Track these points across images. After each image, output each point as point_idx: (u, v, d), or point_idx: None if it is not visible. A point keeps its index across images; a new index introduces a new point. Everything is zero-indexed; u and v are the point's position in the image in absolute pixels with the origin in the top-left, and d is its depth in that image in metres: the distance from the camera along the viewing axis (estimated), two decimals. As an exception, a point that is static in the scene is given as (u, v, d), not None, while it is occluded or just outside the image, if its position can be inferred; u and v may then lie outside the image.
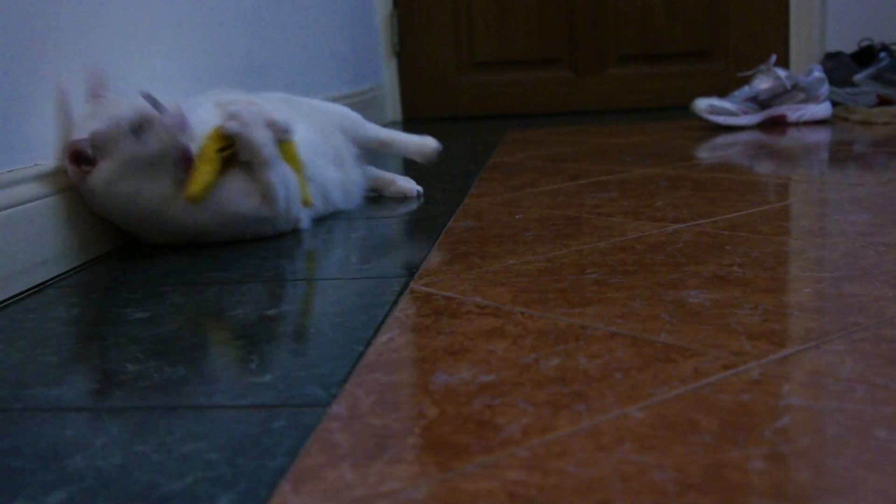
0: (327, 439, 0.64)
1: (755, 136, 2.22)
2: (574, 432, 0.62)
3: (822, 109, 2.37)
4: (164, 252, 1.26)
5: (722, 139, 2.19)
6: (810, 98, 2.36)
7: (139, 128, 1.16)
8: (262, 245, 1.28)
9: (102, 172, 1.16)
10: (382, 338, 0.85)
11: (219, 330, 0.91)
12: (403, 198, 1.58)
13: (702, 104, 2.37)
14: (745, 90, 2.37)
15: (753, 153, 1.94)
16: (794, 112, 2.36)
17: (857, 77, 2.49)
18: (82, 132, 1.15)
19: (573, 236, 1.22)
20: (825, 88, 2.37)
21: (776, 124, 2.37)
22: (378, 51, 3.06)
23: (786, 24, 2.93)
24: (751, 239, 1.14)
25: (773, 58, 2.39)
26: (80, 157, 1.15)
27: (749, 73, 2.43)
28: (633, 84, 3.04)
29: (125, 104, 1.17)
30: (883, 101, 2.45)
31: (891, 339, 0.76)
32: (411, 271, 1.08)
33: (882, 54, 2.51)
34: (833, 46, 2.83)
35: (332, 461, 0.60)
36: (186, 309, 0.99)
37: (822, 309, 0.86)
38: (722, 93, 2.58)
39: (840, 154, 1.90)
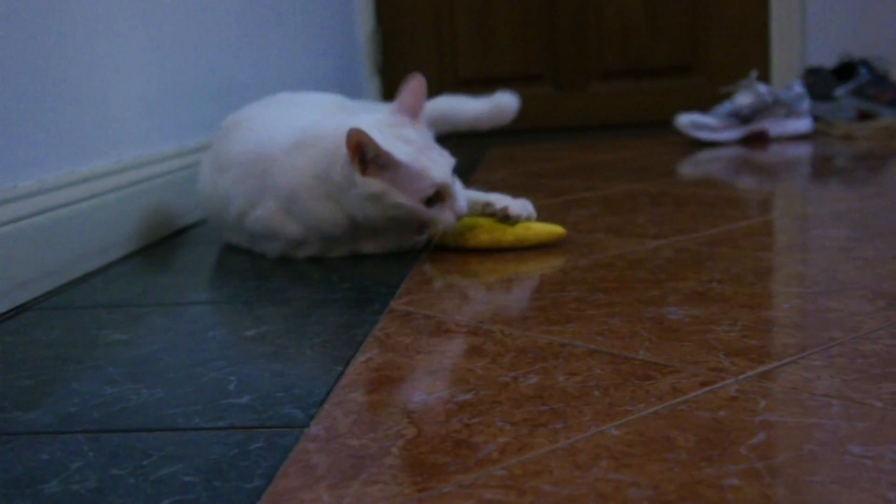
0: (304, 460, 0.63)
1: (737, 151, 2.23)
2: (551, 451, 0.62)
3: (804, 124, 2.39)
4: (144, 272, 1.26)
5: (704, 154, 2.20)
6: (791, 113, 2.37)
7: (434, 196, 1.18)
8: (244, 265, 1.28)
9: (370, 187, 1.17)
10: (362, 357, 0.85)
11: (198, 351, 0.91)
12: None
13: (684, 120, 2.38)
14: (727, 106, 2.39)
15: (735, 168, 1.95)
16: (775, 127, 2.37)
17: (838, 92, 2.51)
18: (385, 142, 1.15)
19: (555, 254, 1.22)
20: (806, 103, 2.39)
21: (758, 139, 2.38)
22: (361, 68, 3.07)
23: (767, 40, 2.95)
24: (731, 255, 1.15)
25: (755, 73, 2.41)
26: (362, 151, 1.15)
27: (731, 88, 2.45)
28: (616, 100, 3.06)
29: (443, 164, 1.19)
30: (863, 116, 2.47)
31: (867, 354, 0.76)
32: (392, 290, 1.08)
33: (862, 69, 2.53)
34: (813, 61, 2.85)
35: (308, 483, 0.60)
36: (166, 330, 0.99)
37: (800, 324, 0.86)
38: (704, 108, 2.60)
39: (821, 169, 1.91)
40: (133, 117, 1.48)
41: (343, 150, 1.17)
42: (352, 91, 2.91)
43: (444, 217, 1.18)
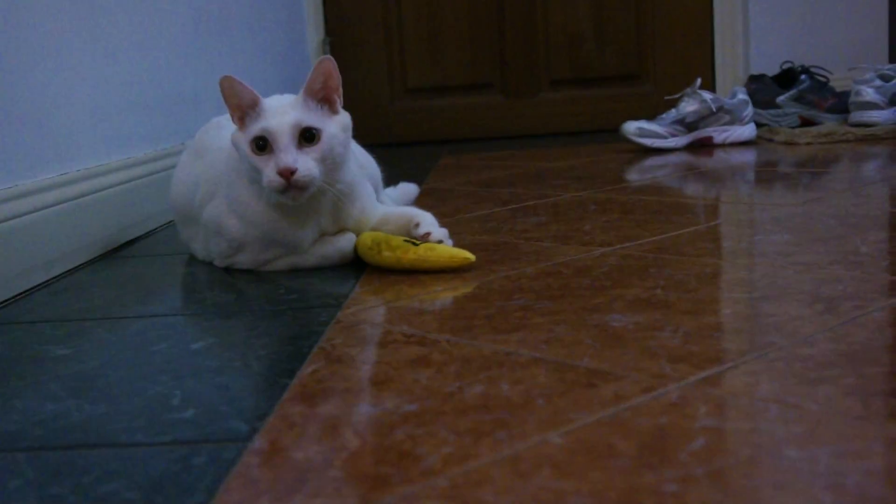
0: (247, 475, 0.63)
1: (683, 157, 2.26)
2: (494, 460, 0.62)
3: (747, 131, 2.42)
4: (90, 286, 1.24)
5: (651, 161, 2.22)
6: (735, 120, 2.41)
7: (264, 145, 1.18)
8: (192, 278, 1.27)
9: (234, 138, 1.21)
10: (308, 369, 0.84)
11: (143, 365, 0.90)
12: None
13: (630, 127, 2.40)
14: (673, 113, 2.42)
15: (681, 175, 1.97)
16: (720, 134, 2.41)
17: (780, 99, 2.55)
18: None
19: (502, 262, 1.23)
20: (749, 110, 2.43)
21: (703, 146, 2.42)
22: (311, 78, 3.06)
23: (711, 48, 2.99)
24: (675, 261, 1.16)
25: (699, 81, 2.45)
26: (235, 101, 1.22)
27: (676, 96, 2.48)
28: (565, 108, 3.08)
29: (283, 119, 1.18)
30: (805, 122, 2.52)
31: (805, 358, 0.78)
32: (339, 301, 1.08)
33: (803, 77, 2.58)
34: (756, 69, 2.90)
35: (251, 497, 0.60)
36: (110, 345, 0.98)
37: (741, 329, 0.88)
38: (651, 116, 2.62)
39: (765, 175, 1.94)
40: (80, 129, 1.46)
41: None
42: (301, 100, 2.90)
43: (265, 167, 1.17)
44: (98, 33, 1.54)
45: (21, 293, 1.23)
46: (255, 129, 1.18)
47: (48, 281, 1.29)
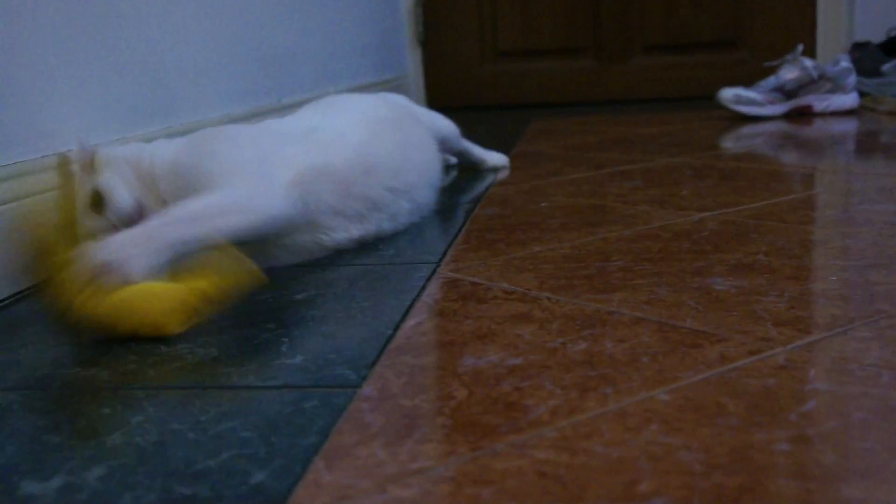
0: (359, 419, 0.65)
1: (781, 126, 2.21)
2: (601, 414, 0.63)
3: (850, 100, 2.36)
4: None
5: (748, 129, 2.18)
6: (837, 88, 2.34)
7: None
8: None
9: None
10: (411, 322, 0.86)
11: (249, 313, 0.92)
12: (495, 171, 1.75)
13: (727, 94, 2.36)
14: (772, 80, 2.36)
15: (779, 143, 1.93)
16: (820, 102, 2.35)
17: (885, 67, 2.47)
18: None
19: (598, 224, 1.22)
20: (852, 78, 2.36)
21: (802, 114, 2.36)
22: (402, 40, 3.07)
23: (813, 14, 2.91)
24: (776, 228, 1.15)
25: (800, 48, 2.38)
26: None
27: (775, 63, 2.42)
28: (658, 74, 3.03)
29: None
30: (910, 92, 2.44)
31: (917, 327, 0.76)
32: (437, 258, 1.09)
33: (910, 44, 2.49)
34: (861, 36, 2.81)
35: (363, 440, 0.61)
36: (217, 293, 1.00)
37: (848, 297, 0.86)
38: (748, 83, 2.57)
39: (867, 144, 1.89)
40: (182, 84, 1.49)
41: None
42: (392, 63, 2.91)
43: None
44: (203, -9, 1.57)
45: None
46: None
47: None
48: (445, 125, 1.64)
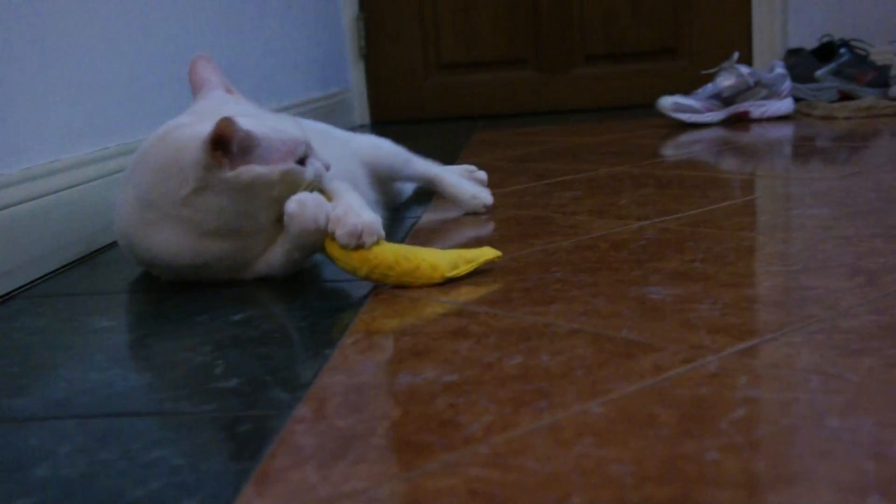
0: (292, 442, 0.64)
1: (719, 132, 2.24)
2: (535, 429, 0.63)
3: (785, 105, 2.40)
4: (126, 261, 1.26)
5: (687, 136, 2.21)
6: (773, 94, 2.38)
7: (303, 157, 1.05)
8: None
9: (245, 175, 1.01)
10: (348, 340, 0.85)
11: (185, 336, 0.91)
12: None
13: (666, 102, 2.39)
14: (709, 87, 2.39)
15: (717, 150, 1.96)
16: (757, 108, 2.38)
17: (819, 73, 2.52)
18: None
19: (539, 235, 1.23)
20: (787, 84, 2.40)
21: (740, 121, 2.39)
22: (344, 54, 3.06)
23: (748, 22, 2.96)
24: (713, 235, 1.16)
25: (736, 55, 2.42)
26: (224, 145, 1.00)
27: (712, 70, 2.45)
28: (600, 83, 3.06)
29: (292, 124, 1.08)
30: (844, 97, 2.49)
31: (845, 330, 0.77)
32: (377, 274, 1.09)
33: (842, 50, 2.54)
34: (794, 43, 2.86)
35: (296, 463, 0.61)
36: (153, 316, 0.99)
37: (781, 302, 0.87)
38: (687, 91, 2.60)
39: (802, 149, 1.92)
40: (119, 104, 1.47)
41: (183, 155, 1.02)
42: (335, 77, 2.91)
43: (317, 169, 1.07)
44: (135, 10, 1.56)
45: (63, 266, 1.24)
46: (294, 148, 1.07)
47: (90, 254, 1.31)
48: (384, 152, 1.46)
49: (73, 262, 1.27)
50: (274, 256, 1.08)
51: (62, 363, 0.85)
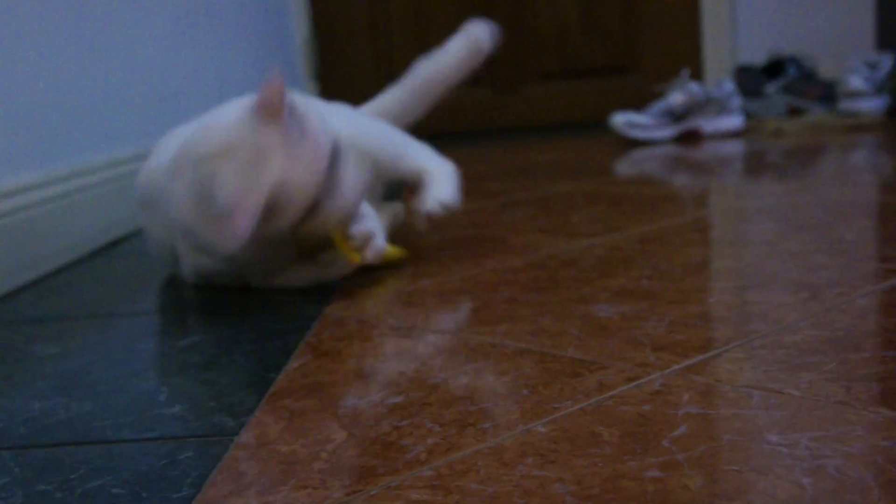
0: (234, 468, 0.63)
1: (671, 149, 2.26)
2: (478, 450, 0.63)
3: (735, 121, 2.43)
4: (75, 285, 1.24)
5: (639, 153, 2.23)
6: (723, 110, 2.42)
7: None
8: (177, 275, 1.27)
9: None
10: (294, 364, 0.85)
11: (129, 363, 0.90)
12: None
13: (619, 119, 2.41)
14: (661, 104, 2.42)
15: (669, 166, 1.98)
16: (708, 125, 2.41)
17: (768, 89, 2.56)
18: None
19: (489, 255, 1.23)
20: (737, 101, 2.44)
21: (691, 137, 2.42)
22: (298, 74, 3.06)
23: (698, 39, 3.00)
24: (662, 251, 1.17)
25: (686, 72, 2.45)
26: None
27: (664, 87, 2.48)
28: (553, 101, 3.08)
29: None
30: (793, 112, 2.53)
31: (788, 346, 0.78)
32: (326, 296, 1.08)
33: (791, 66, 2.58)
34: (744, 60, 2.91)
35: (237, 490, 0.60)
36: (97, 343, 0.98)
37: (726, 318, 0.88)
38: (639, 107, 2.63)
39: (752, 164, 1.95)
40: (63, 127, 1.46)
41: (234, 124, 1.01)
42: (289, 97, 2.90)
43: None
44: (81, 30, 1.54)
45: (7, 293, 1.22)
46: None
47: (33, 280, 1.29)
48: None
49: (17, 289, 1.25)
50: (304, 274, 1.15)
51: (2, 392, 0.84)
